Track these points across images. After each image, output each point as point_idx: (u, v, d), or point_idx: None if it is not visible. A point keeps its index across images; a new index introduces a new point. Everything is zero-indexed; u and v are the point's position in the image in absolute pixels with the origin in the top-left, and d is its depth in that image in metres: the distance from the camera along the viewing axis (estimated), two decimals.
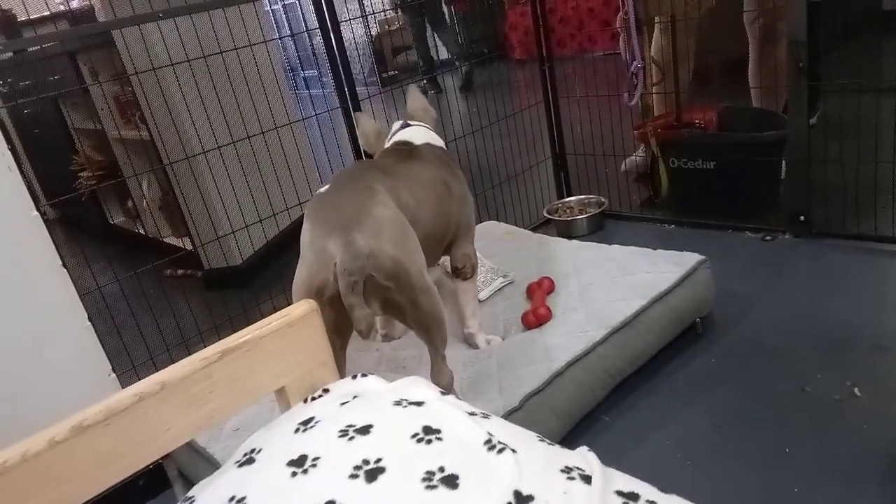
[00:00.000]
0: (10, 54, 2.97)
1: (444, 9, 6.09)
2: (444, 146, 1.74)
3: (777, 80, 2.32)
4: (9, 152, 1.42)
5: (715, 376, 1.64)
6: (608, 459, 0.73)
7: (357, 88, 2.11)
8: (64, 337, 1.50)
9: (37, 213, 1.45)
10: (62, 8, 3.91)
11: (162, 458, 1.61)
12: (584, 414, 1.54)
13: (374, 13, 6.17)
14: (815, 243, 2.14)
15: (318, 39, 2.06)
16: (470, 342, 1.71)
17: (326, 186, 1.39)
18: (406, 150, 1.62)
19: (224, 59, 1.93)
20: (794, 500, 1.25)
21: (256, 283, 2.69)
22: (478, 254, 1.96)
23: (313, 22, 2.05)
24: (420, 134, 1.69)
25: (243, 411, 1.49)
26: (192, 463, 1.56)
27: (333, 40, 2.03)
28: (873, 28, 3.17)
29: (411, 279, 1.26)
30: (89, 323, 1.54)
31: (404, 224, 1.32)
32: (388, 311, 1.32)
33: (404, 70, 6.79)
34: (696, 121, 2.51)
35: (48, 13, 3.46)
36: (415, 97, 1.84)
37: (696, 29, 2.56)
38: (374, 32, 6.93)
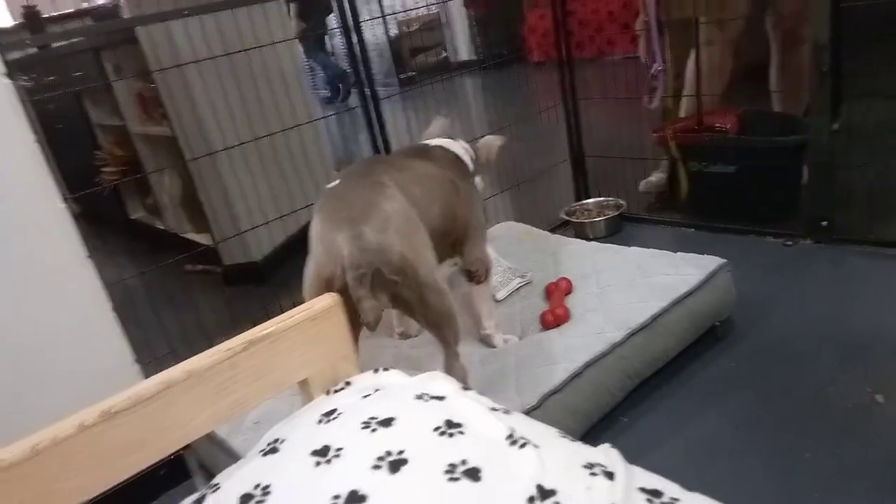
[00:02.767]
0: (34, 49, 3.02)
1: (327, 39, 6.56)
2: (464, 155, 1.69)
3: (800, 85, 2.30)
4: (36, 145, 1.44)
5: (734, 380, 1.63)
6: (626, 460, 0.73)
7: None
8: (89, 325, 1.52)
9: (63, 204, 1.47)
10: (85, 5, 3.96)
11: (183, 449, 1.63)
12: (602, 415, 1.54)
13: (393, 13, 6.19)
14: (836, 249, 2.12)
15: (337, 39, 2.07)
16: (487, 343, 1.72)
17: (336, 182, 1.39)
18: (417, 149, 1.63)
19: (247, 56, 1.95)
20: None
21: (275, 279, 2.70)
22: (495, 254, 1.96)
23: (332, 22, 2.06)
24: (438, 140, 1.69)
25: (263, 404, 1.50)
26: (213, 454, 1.58)
27: (356, 40, 2.04)
28: None
29: (419, 275, 1.26)
30: (113, 312, 1.56)
31: (413, 219, 1.31)
32: (396, 306, 1.32)
33: (423, 71, 6.80)
34: (717, 124, 2.49)
35: (72, 10, 3.51)
36: (435, 125, 1.78)
37: (733, 47, 2.54)
38: (392, 33, 6.96)
